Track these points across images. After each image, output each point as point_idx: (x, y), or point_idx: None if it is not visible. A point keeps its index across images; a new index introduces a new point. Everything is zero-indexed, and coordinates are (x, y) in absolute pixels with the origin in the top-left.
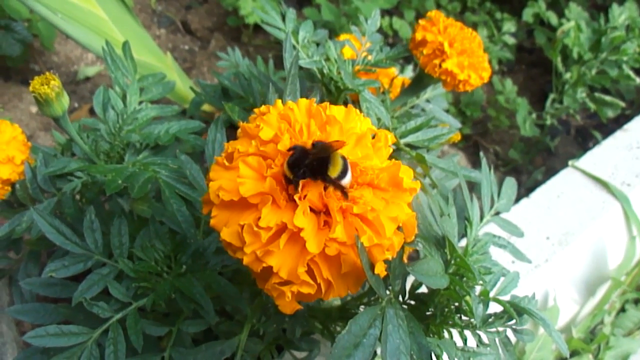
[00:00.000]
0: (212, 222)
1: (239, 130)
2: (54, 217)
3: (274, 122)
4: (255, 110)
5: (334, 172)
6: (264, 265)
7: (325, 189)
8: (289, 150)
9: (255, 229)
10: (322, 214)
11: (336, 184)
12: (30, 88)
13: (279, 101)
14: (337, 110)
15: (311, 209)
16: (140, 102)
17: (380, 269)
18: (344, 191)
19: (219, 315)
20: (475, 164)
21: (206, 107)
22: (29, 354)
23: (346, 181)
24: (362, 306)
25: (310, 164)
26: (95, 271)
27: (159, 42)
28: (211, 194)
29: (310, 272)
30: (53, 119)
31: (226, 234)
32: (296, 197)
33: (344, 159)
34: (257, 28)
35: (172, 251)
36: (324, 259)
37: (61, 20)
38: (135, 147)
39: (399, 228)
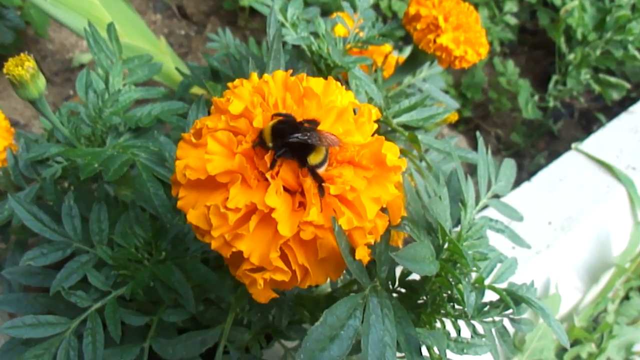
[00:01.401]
0: (179, 203)
1: (212, 107)
2: (36, 204)
3: (245, 95)
4: (229, 84)
5: (315, 159)
6: (234, 250)
7: (300, 167)
8: (275, 115)
9: (223, 210)
10: (297, 194)
11: (314, 172)
12: (4, 70)
13: (254, 74)
14: (315, 83)
15: (285, 189)
16: (125, 85)
17: (362, 254)
18: (320, 182)
19: (205, 303)
20: (476, 147)
21: (196, 89)
22: (12, 345)
23: (321, 169)
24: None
25: (294, 139)
26: (74, 259)
27: (155, 28)
28: (178, 173)
29: (284, 257)
30: (30, 102)
31: (193, 217)
32: (268, 175)
33: (326, 148)
34: (253, 12)
35: (153, 237)
36: (298, 243)
37: (51, 6)
38: (117, 130)
39: (383, 210)
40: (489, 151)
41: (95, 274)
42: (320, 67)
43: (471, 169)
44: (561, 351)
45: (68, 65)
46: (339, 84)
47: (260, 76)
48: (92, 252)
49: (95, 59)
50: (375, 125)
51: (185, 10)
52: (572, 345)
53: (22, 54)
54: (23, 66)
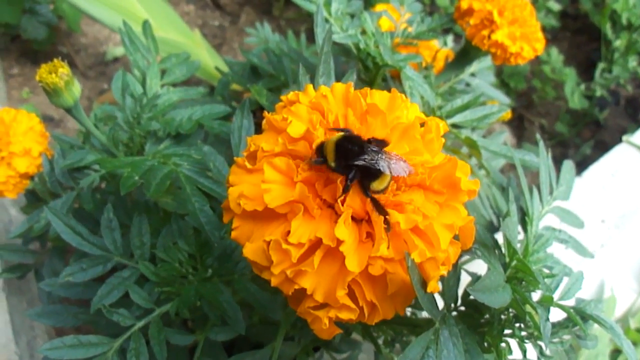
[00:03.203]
0: (233, 234)
1: (264, 122)
2: (72, 213)
3: (303, 113)
4: (283, 97)
5: (379, 185)
6: (296, 287)
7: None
8: (335, 129)
9: (285, 246)
10: (363, 222)
11: (378, 204)
12: (37, 77)
13: (310, 87)
14: (380, 97)
15: (351, 218)
16: (162, 86)
17: (434, 286)
18: (385, 215)
19: (251, 316)
20: (521, 138)
21: (236, 85)
22: None
23: (383, 193)
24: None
25: (362, 161)
26: (115, 274)
27: (188, 19)
28: (231, 202)
29: (350, 293)
30: (65, 110)
31: (250, 251)
32: (338, 203)
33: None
34: (288, 1)
35: (197, 251)
36: (366, 279)
37: (83, 1)
38: (156, 136)
39: (454, 236)
40: (549, 153)
41: (138, 290)
42: (367, 64)
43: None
44: (615, 352)
45: (102, 58)
46: (403, 96)
47: (310, 80)
48: (133, 265)
49: (131, 59)
50: (444, 141)
51: (219, 1)
52: None
53: (55, 60)
54: (57, 73)
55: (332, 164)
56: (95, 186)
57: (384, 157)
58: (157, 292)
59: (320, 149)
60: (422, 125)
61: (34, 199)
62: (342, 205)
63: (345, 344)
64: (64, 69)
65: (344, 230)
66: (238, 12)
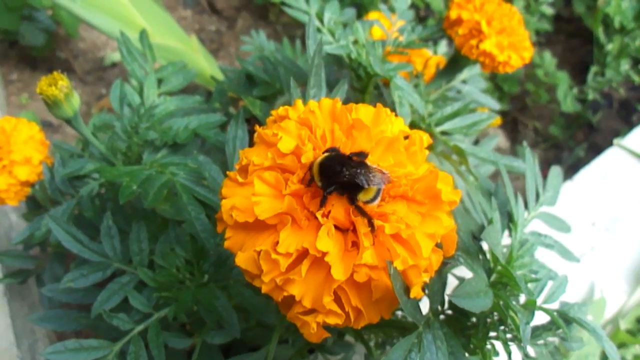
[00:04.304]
0: (226, 244)
1: (256, 135)
2: (73, 220)
3: (293, 129)
4: (273, 112)
5: (365, 196)
6: (285, 294)
7: (350, 203)
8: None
9: (274, 255)
10: (349, 232)
11: (363, 211)
12: (37, 90)
13: (299, 102)
14: (365, 112)
15: (336, 227)
16: (160, 95)
17: (417, 292)
18: (370, 221)
19: (247, 320)
20: (515, 141)
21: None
22: None
23: (374, 204)
24: (399, 311)
25: (343, 178)
26: (114, 280)
27: (185, 24)
28: (224, 213)
29: (337, 299)
30: (65, 121)
31: (241, 260)
32: (319, 215)
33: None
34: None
35: (194, 257)
36: (352, 286)
37: (80, 8)
38: (153, 145)
39: (437, 244)
40: (535, 158)
41: (137, 295)
42: (360, 73)
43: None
44: (606, 355)
45: (100, 64)
46: (388, 111)
47: (302, 89)
48: (132, 271)
49: (129, 69)
50: (427, 152)
51: (216, 6)
52: (617, 348)
53: (55, 73)
54: (57, 85)
55: (319, 184)
56: (94, 193)
57: (362, 171)
58: (155, 297)
59: (310, 169)
60: (406, 138)
61: (34, 206)
62: (325, 217)
63: (339, 347)
64: (63, 82)
65: (327, 242)
66: (235, 17)
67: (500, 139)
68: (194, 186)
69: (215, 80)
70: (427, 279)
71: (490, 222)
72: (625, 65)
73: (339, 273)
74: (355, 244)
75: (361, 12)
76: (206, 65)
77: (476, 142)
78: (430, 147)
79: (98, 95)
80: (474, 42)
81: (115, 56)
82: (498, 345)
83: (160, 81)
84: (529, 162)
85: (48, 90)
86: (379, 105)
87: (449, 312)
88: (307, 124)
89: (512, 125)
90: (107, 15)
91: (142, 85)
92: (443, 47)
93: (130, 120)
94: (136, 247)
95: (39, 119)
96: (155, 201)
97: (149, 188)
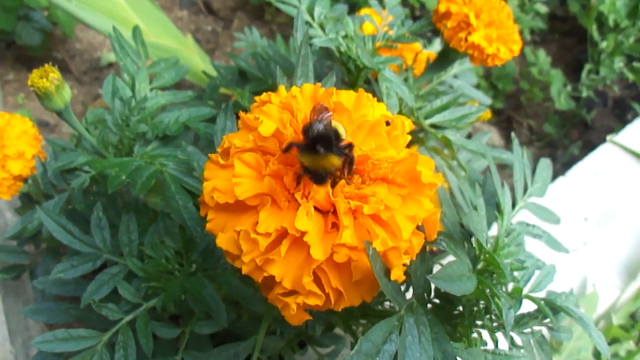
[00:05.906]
0: (207, 225)
1: (239, 121)
2: (65, 213)
3: (274, 113)
4: (256, 98)
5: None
6: (265, 274)
7: (332, 186)
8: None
9: (253, 235)
10: (329, 214)
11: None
12: (29, 82)
13: (282, 88)
14: (346, 96)
15: (317, 209)
16: (152, 90)
17: (398, 274)
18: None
19: (237, 311)
20: (509, 139)
21: (225, 89)
22: (44, 356)
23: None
24: (388, 302)
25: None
26: (104, 271)
27: (181, 24)
28: (206, 195)
29: (317, 280)
30: (56, 113)
31: (222, 241)
32: (298, 196)
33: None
34: None
35: (183, 247)
36: (332, 266)
37: (76, 8)
38: (144, 138)
39: (418, 227)
40: (524, 151)
41: (126, 285)
42: (350, 67)
43: (503, 165)
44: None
45: (96, 64)
46: (370, 96)
47: (290, 81)
48: (122, 262)
49: (121, 64)
50: (409, 137)
51: (212, 6)
52: (610, 343)
53: (46, 65)
54: (47, 77)
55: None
56: (87, 187)
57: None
58: (144, 287)
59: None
60: (388, 123)
61: (28, 201)
62: (305, 199)
63: (328, 339)
64: (54, 74)
65: (306, 221)
66: (231, 17)
67: (495, 137)
68: (183, 176)
69: (208, 77)
70: (407, 261)
71: (474, 208)
72: (619, 63)
73: (318, 253)
74: (336, 225)
75: (354, 9)
76: (201, 65)
77: (469, 138)
78: (421, 142)
79: (94, 95)
80: (462, 34)
81: (112, 56)
82: (485, 335)
83: (152, 77)
84: (516, 153)
85: (39, 82)
86: (360, 89)
87: (436, 300)
88: (289, 109)
89: (506, 123)
90: (103, 14)
91: (134, 79)
92: (437, 45)
93: (121, 113)
94: (126, 238)
95: (35, 118)
96: (143, 190)
97: (137, 178)
